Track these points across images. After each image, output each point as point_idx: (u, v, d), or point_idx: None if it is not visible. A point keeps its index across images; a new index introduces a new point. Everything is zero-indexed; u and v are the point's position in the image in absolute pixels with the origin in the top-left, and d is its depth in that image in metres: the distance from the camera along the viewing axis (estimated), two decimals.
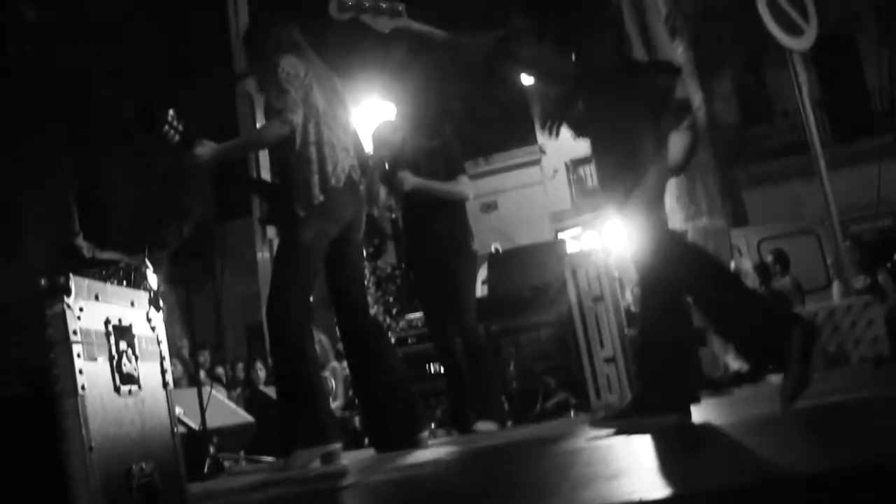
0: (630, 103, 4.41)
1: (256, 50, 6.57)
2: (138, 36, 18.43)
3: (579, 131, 4.71)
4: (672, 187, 13.03)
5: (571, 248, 11.44)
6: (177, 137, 6.00)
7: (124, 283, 9.18)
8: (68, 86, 19.05)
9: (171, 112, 6.02)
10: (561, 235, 24.34)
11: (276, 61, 6.20)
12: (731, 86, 24.16)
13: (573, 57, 4.47)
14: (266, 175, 10.27)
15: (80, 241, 9.66)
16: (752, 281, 12.33)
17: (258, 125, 10.79)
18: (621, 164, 4.42)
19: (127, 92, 19.93)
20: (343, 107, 6.51)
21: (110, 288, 3.37)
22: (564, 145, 28.15)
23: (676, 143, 4.83)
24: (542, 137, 29.38)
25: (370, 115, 11.68)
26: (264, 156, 10.52)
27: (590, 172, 29.20)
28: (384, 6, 4.64)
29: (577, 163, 29.04)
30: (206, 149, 6.06)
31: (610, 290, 9.04)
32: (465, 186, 8.23)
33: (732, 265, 12.89)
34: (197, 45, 19.19)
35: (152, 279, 8.66)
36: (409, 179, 7.99)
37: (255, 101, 10.97)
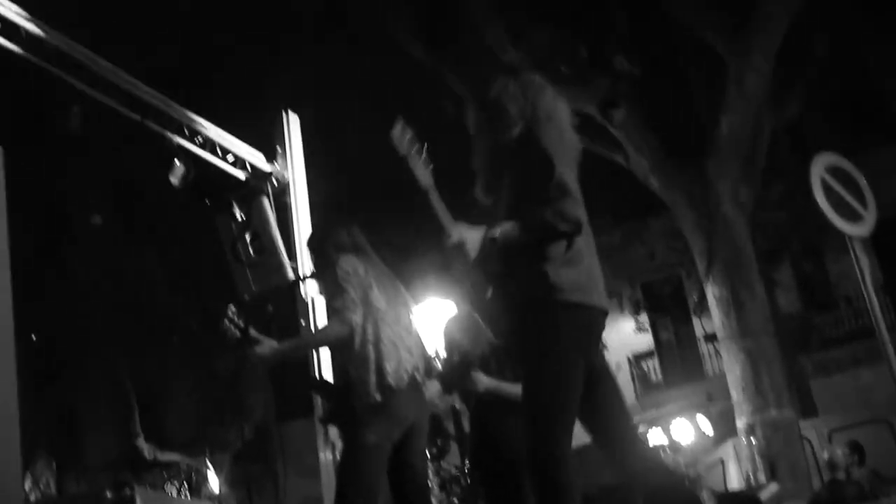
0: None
1: (317, 251, 6.61)
2: (196, 241, 18.66)
3: None
4: (738, 381, 12.87)
5: None
6: (238, 334, 5.98)
7: (185, 484, 9.06)
8: (130, 292, 19.32)
9: (231, 308, 6.02)
10: None
11: (336, 261, 6.21)
12: (791, 274, 24.09)
13: None
14: (327, 374, 10.27)
15: (141, 443, 9.60)
16: (843, 472, 12.07)
17: (318, 325, 10.80)
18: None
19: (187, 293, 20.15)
20: (405, 307, 6.48)
21: (177, 501, 3.30)
22: (625, 339, 28.10)
23: None
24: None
25: (432, 312, 11.64)
26: (325, 354, 10.51)
27: (653, 367, 29.02)
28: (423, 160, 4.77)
29: (639, 357, 28.88)
30: (266, 348, 6.03)
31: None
32: None
33: (826, 455, 12.62)
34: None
35: (213, 481, 8.51)
36: (483, 381, 7.87)
37: (314, 301, 10.99)
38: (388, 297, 6.30)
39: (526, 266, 4.61)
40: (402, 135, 4.65)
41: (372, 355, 5.99)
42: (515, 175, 4.82)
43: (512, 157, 4.85)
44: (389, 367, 5.99)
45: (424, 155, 4.65)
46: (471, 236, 4.56)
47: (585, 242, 4.74)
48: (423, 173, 4.63)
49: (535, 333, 4.58)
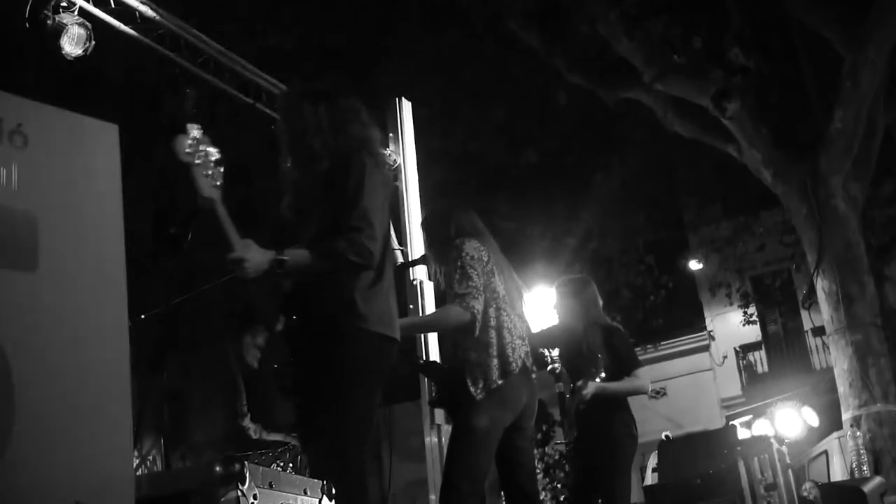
0: None
1: (435, 234, 6.69)
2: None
3: None
4: (845, 374, 12.79)
5: (743, 435, 11.20)
6: None
7: (290, 465, 9.21)
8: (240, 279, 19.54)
9: None
10: (732, 422, 23.87)
11: (460, 244, 6.22)
12: None
13: None
14: (434, 357, 10.31)
15: (248, 422, 9.72)
16: None
17: (426, 309, 10.86)
18: None
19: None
20: (519, 294, 6.52)
21: (284, 476, 3.39)
22: (733, 331, 27.88)
23: None
24: (710, 323, 29.16)
25: (539, 301, 11.67)
26: (433, 337, 10.57)
27: (760, 359, 28.77)
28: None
29: (746, 348, 28.67)
30: None
31: (784, 479, 8.81)
32: (643, 381, 8.11)
33: None
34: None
35: None
36: (591, 386, 7.86)
37: (424, 286, 11.06)
38: (506, 283, 6.35)
39: (335, 293, 4.64)
40: (182, 144, 4.38)
41: (495, 340, 6.03)
42: (321, 201, 4.79)
43: (321, 184, 4.82)
44: (510, 352, 6.04)
45: (214, 167, 4.44)
46: (254, 255, 4.46)
47: (388, 276, 4.85)
48: (204, 184, 4.40)
49: (338, 360, 4.60)
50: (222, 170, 4.41)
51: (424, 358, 10.16)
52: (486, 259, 6.19)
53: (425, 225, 6.87)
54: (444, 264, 6.34)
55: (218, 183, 4.43)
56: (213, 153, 4.38)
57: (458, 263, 6.10)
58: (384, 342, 4.73)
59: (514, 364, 6.02)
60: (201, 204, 4.38)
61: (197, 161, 4.37)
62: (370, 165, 4.79)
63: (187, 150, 4.33)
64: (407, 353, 7.94)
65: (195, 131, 4.39)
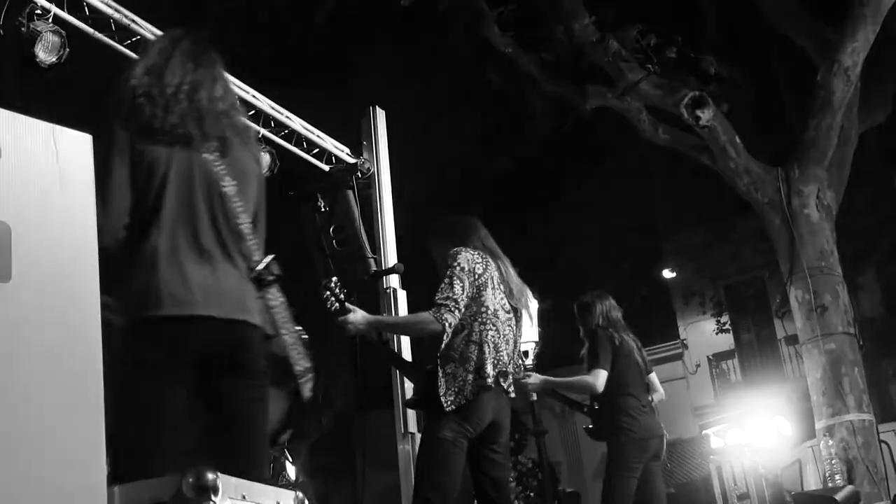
0: None
1: (439, 244, 6.63)
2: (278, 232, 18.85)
3: None
4: (818, 383, 12.84)
5: (716, 444, 11.26)
6: (336, 306, 6.03)
7: None
8: None
9: (335, 279, 6.07)
10: (705, 431, 24.01)
11: (455, 254, 6.22)
12: (875, 278, 23.88)
13: None
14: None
15: None
16: None
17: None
18: None
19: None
20: (527, 309, 6.56)
21: (257, 487, 3.38)
22: (706, 339, 28.02)
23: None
24: (683, 331, 29.31)
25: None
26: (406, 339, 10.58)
27: (733, 367, 28.89)
28: None
29: (719, 357, 28.80)
30: (359, 317, 6.09)
31: (756, 488, 8.86)
32: (593, 379, 8.23)
33: None
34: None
35: (291, 470, 8.62)
36: (535, 377, 8.04)
37: (397, 294, 11.09)
38: (512, 297, 6.37)
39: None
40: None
41: (475, 356, 6.03)
42: None
43: None
44: (490, 368, 6.03)
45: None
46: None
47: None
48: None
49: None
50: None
51: (402, 356, 10.17)
52: (479, 272, 6.19)
53: (434, 232, 6.86)
54: (440, 268, 6.35)
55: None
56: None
57: (448, 272, 6.11)
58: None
59: (490, 381, 6.01)
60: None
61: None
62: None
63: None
64: (389, 349, 7.96)
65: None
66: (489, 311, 6.17)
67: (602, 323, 8.53)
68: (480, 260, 6.25)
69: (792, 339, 23.30)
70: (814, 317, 12.99)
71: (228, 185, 4.04)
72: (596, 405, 8.60)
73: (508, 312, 6.36)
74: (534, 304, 6.84)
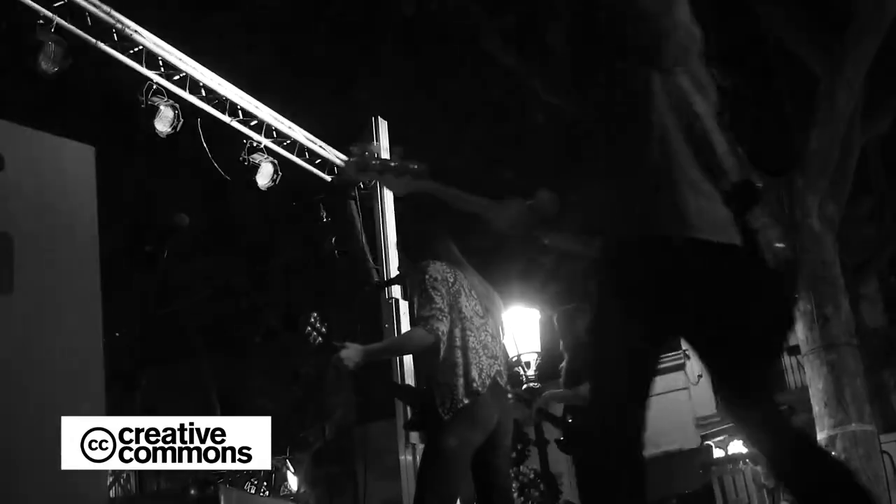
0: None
1: (411, 255, 6.69)
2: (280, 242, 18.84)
3: None
4: (820, 394, 12.80)
5: (718, 454, 11.23)
6: (319, 340, 6.09)
7: (265, 483, 9.17)
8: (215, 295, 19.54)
9: (314, 315, 6.13)
10: (707, 442, 23.94)
11: (425, 267, 6.30)
12: (877, 288, 23.83)
13: None
14: (409, 380, 10.34)
15: None
16: None
17: (401, 328, 10.89)
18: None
19: (271, 297, 20.33)
20: (496, 314, 6.58)
21: (259, 500, 3.38)
22: None
23: None
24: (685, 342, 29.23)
25: (516, 321, 11.70)
26: (408, 359, 10.58)
27: None
28: (402, 167, 4.45)
29: None
30: (352, 351, 6.13)
31: (758, 499, 8.84)
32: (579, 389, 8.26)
33: None
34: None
35: (293, 481, 8.63)
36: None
37: (400, 304, 11.09)
38: (481, 303, 6.40)
39: None
40: (353, 166, 4.38)
41: (460, 361, 6.08)
42: None
43: None
44: (475, 372, 6.07)
45: (398, 161, 4.41)
46: None
47: None
48: (403, 185, 4.43)
49: None
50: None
51: (399, 381, 10.21)
52: (451, 280, 6.25)
53: (402, 245, 6.96)
54: (412, 286, 6.42)
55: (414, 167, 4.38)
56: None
57: (422, 287, 6.18)
58: None
59: (480, 383, 6.05)
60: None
61: (379, 174, 4.34)
62: None
63: (360, 170, 4.26)
64: (383, 375, 7.98)
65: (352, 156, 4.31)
66: (467, 317, 6.23)
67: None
68: (450, 270, 6.32)
69: (794, 350, 23.24)
70: (816, 327, 12.96)
71: None
72: (570, 418, 8.57)
73: (482, 318, 6.40)
74: (500, 310, 6.84)
